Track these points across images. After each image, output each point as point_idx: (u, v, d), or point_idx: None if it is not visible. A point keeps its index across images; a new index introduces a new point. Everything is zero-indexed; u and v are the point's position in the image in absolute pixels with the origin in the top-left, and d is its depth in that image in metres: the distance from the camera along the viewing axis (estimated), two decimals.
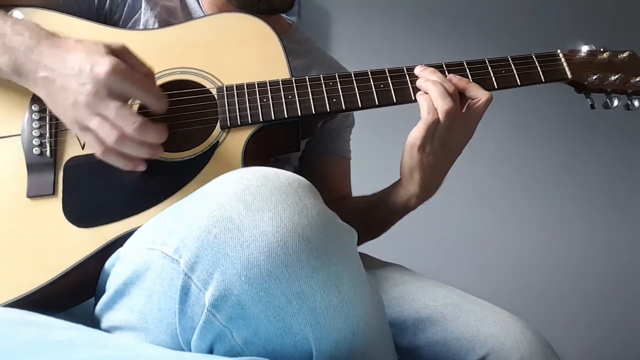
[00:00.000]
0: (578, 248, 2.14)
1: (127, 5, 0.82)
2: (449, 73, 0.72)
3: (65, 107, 0.58)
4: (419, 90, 0.71)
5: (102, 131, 0.57)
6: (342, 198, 0.96)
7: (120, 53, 0.59)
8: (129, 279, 0.52)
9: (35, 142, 0.66)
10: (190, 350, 0.48)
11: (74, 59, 0.58)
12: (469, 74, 0.73)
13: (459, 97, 0.70)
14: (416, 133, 0.70)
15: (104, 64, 0.56)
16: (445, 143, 0.70)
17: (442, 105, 0.67)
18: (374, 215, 0.86)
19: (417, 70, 0.72)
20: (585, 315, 2.09)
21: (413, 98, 0.72)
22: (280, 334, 0.44)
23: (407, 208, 0.81)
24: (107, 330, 0.55)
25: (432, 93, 0.68)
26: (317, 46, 1.00)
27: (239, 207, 0.45)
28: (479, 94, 0.70)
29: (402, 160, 0.74)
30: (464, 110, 0.71)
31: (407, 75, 0.72)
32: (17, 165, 0.65)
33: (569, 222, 2.16)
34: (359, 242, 0.93)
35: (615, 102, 0.75)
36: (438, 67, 0.73)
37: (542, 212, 2.15)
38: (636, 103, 0.74)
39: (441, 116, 0.67)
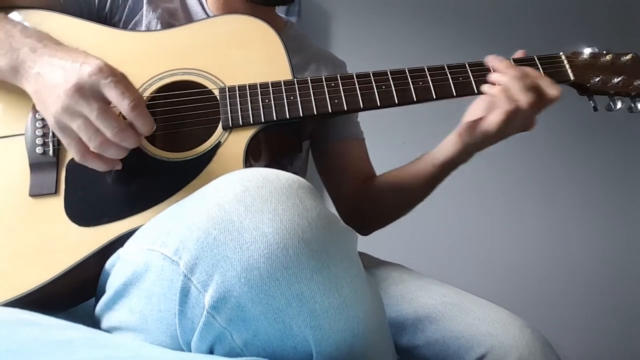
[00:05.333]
0: (577, 247, 2.14)
1: (127, 7, 0.82)
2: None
3: (49, 103, 0.57)
4: (422, 91, 0.71)
5: (85, 134, 0.56)
6: (370, 179, 0.97)
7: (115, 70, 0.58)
8: (129, 280, 0.52)
9: (39, 141, 0.66)
10: (190, 351, 0.48)
11: (68, 57, 0.58)
12: (470, 75, 0.73)
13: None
14: (494, 124, 0.70)
15: (92, 63, 0.56)
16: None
17: (524, 98, 0.68)
18: (414, 184, 0.87)
19: (492, 61, 0.73)
20: (583, 313, 2.10)
21: (415, 99, 0.72)
22: (280, 336, 0.44)
23: (455, 165, 0.83)
24: (107, 331, 0.55)
25: (512, 86, 0.69)
26: (312, 42, 1.01)
27: (238, 208, 0.45)
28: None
29: (463, 144, 0.76)
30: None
31: (408, 77, 0.72)
32: (20, 164, 0.65)
33: (568, 222, 2.16)
34: (399, 215, 0.94)
35: (619, 105, 0.74)
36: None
37: (542, 211, 2.15)
38: (639, 105, 0.74)
39: (524, 106, 0.68)
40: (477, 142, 0.75)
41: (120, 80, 0.57)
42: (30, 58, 0.60)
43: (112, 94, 0.56)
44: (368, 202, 0.95)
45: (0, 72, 0.62)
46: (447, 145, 0.80)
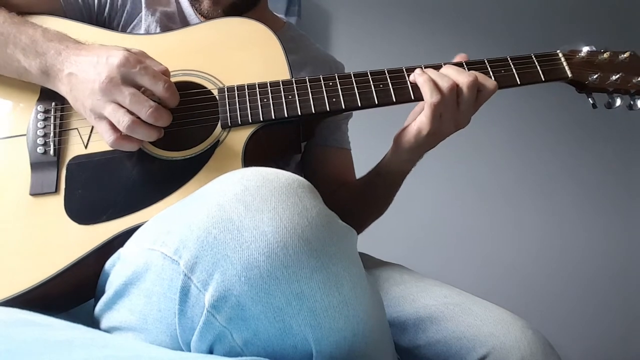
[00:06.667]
0: (577, 247, 2.14)
1: (125, 11, 0.84)
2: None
3: (84, 98, 0.62)
4: (420, 89, 0.71)
5: (116, 117, 0.60)
6: (343, 184, 0.96)
7: (137, 53, 0.64)
8: (129, 280, 0.52)
9: (40, 141, 0.67)
10: (190, 351, 0.48)
11: (94, 54, 0.63)
12: None
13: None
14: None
15: (118, 55, 0.61)
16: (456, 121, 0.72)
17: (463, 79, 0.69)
18: (373, 191, 0.88)
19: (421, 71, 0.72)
20: (585, 314, 2.10)
21: (412, 97, 0.72)
22: (280, 335, 0.44)
23: (404, 174, 0.83)
24: (107, 331, 0.55)
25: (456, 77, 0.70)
26: (311, 42, 1.01)
27: (238, 208, 0.45)
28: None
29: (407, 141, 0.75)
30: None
31: (406, 76, 0.72)
32: (21, 163, 0.66)
33: (568, 221, 2.16)
34: (367, 223, 0.93)
35: (618, 102, 0.74)
36: (459, 65, 0.74)
37: (542, 211, 2.15)
38: (639, 103, 0.74)
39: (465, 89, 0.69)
40: (413, 147, 0.74)
41: (147, 65, 0.62)
42: (58, 61, 0.64)
43: (145, 80, 0.61)
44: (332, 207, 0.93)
45: (31, 75, 0.67)
46: (388, 156, 0.81)
